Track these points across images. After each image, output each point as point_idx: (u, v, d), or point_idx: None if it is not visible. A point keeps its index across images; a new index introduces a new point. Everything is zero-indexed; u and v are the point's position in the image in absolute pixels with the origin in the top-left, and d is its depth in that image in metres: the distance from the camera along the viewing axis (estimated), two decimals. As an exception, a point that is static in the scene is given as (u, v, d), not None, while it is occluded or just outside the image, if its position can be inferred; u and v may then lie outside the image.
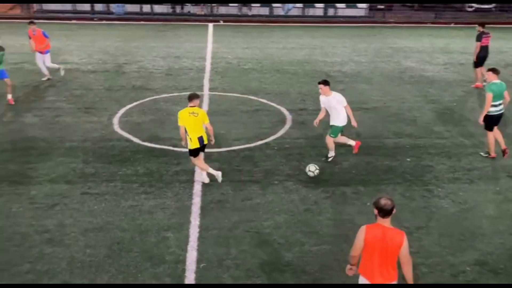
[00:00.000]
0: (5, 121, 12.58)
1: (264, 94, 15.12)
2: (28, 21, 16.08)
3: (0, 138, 11.49)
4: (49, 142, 11.42)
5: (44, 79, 15.59)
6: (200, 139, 9.36)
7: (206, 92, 15.25)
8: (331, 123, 10.60)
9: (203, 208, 8.97)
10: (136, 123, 12.67)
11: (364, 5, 28.88)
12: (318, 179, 10.00)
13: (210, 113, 13.29)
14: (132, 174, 10.09)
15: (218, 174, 9.73)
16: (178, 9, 28.42)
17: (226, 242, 8.03)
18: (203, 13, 28.43)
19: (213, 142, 9.80)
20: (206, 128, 9.51)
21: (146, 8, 27.92)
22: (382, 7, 29.39)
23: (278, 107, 14.11)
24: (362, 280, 5.76)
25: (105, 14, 27.38)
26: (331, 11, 29.15)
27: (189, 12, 28.48)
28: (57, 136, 11.75)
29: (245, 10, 28.62)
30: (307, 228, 8.46)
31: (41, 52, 15.33)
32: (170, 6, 28.32)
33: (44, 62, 15.50)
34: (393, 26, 26.99)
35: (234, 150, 11.34)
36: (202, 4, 28.39)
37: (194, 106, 9.28)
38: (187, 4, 28.47)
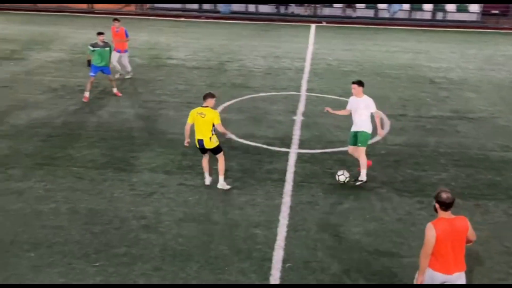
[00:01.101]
0: (113, 111, 13.38)
1: (362, 98, 14.82)
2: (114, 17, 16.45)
3: (108, 128, 12.26)
4: (152, 133, 12.00)
5: (117, 76, 15.45)
6: (200, 142, 9.15)
7: (303, 93, 15.27)
8: (358, 129, 9.74)
9: (292, 208, 9.00)
10: (233, 120, 12.96)
11: (476, 10, 27.41)
12: (413, 189, 9.65)
13: (306, 114, 13.44)
14: (226, 170, 10.28)
15: (221, 183, 9.50)
16: (282, 9, 28.68)
17: (314, 245, 8.00)
18: (306, 13, 28.45)
19: (227, 135, 10.15)
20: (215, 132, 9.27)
21: (252, 7, 28.47)
22: (496, 12, 27.70)
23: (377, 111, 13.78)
24: (436, 276, 5.73)
25: (212, 12, 28.26)
26: (439, 15, 27.98)
27: (292, 12, 28.65)
28: (160, 128, 12.32)
29: (349, 12, 28.25)
30: (398, 238, 8.19)
31: (119, 51, 15.35)
32: (274, 6, 28.68)
33: (121, 60, 15.53)
34: (507, 33, 25.33)
35: (327, 153, 11.25)
36: (306, 5, 28.43)
37: (207, 107, 9.13)
38: (291, 4, 28.66)
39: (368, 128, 9.78)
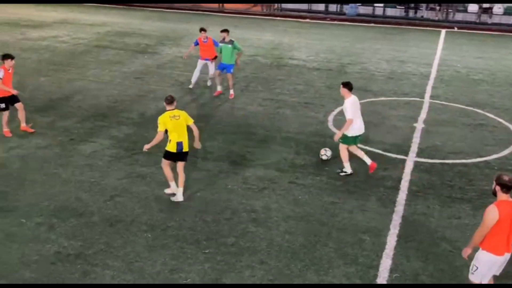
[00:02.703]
0: (233, 107, 13.82)
1: (491, 108, 13.89)
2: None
3: (228, 122, 12.69)
4: (268, 131, 12.22)
5: (190, 86, 14.95)
6: (180, 144, 8.72)
7: (427, 100, 14.63)
8: (363, 131, 9.95)
9: (405, 218, 8.67)
10: (350, 123, 12.77)
11: None
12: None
13: (427, 122, 12.87)
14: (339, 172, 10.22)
15: (178, 194, 8.96)
16: (411, 13, 27.75)
17: (425, 257, 7.64)
18: (437, 18, 27.23)
19: (199, 146, 9.19)
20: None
21: (379, 10, 27.89)
22: None
23: (507, 124, 12.83)
24: (487, 256, 6.14)
25: (338, 14, 28.09)
26: None
27: (422, 16, 27.58)
28: (276, 126, 12.51)
29: (484, 17, 26.55)
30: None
31: (208, 59, 14.65)
32: (403, 9, 27.84)
33: (209, 69, 14.83)
34: None
35: (447, 164, 10.68)
36: (438, 9, 27.22)
37: (173, 109, 8.78)
38: (421, 8, 27.63)
39: None
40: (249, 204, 8.99)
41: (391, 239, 8.08)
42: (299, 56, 19.29)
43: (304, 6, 28.78)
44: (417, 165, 10.60)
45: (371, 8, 28.14)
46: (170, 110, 8.77)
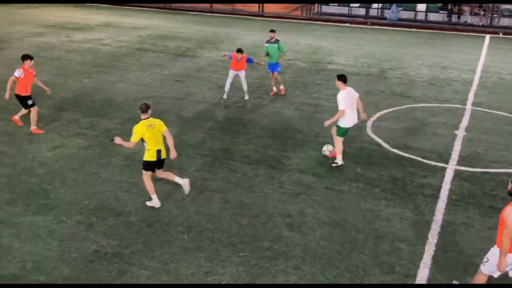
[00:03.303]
0: (270, 111, 13.83)
1: (537, 117, 13.47)
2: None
3: (265, 126, 12.70)
4: (305, 135, 12.18)
5: (224, 97, 14.69)
6: (159, 152, 8.64)
7: (469, 107, 14.29)
8: (356, 122, 10.46)
9: (444, 227, 8.48)
10: (389, 129, 12.60)
11: None
12: None
13: (469, 129, 12.57)
14: (376, 179, 10.09)
15: (154, 203, 8.83)
16: (454, 18, 27.19)
17: (464, 269, 7.46)
18: (481, 24, 26.59)
19: (174, 155, 8.95)
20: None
21: (421, 15, 27.46)
22: None
23: (553, 133, 12.41)
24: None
25: (379, 19, 27.78)
26: None
27: (465, 22, 27.00)
28: (313, 131, 12.45)
29: (531, 22, 25.79)
30: None
31: (237, 70, 14.36)
32: (446, 14, 27.31)
33: (242, 81, 14.55)
34: None
35: (489, 173, 10.40)
36: (482, 14, 26.58)
37: (149, 118, 8.61)
38: (465, 13, 27.04)
39: None
40: (284, 209, 8.97)
41: (429, 249, 7.92)
42: (338, 60, 19.16)
43: (344, 10, 28.60)
44: (457, 173, 10.36)
45: (412, 13, 27.74)
46: (145, 119, 8.60)
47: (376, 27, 26.51)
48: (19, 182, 9.61)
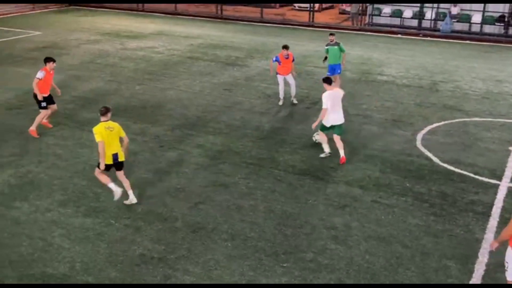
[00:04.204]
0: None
1: None
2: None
3: (310, 137, 12.62)
4: (353, 147, 12.03)
5: (280, 103, 14.89)
6: (115, 156, 8.82)
7: (525, 122, 13.78)
8: (341, 121, 11.14)
9: (495, 247, 8.18)
10: (439, 143, 12.30)
11: None
12: None
13: (524, 146, 12.15)
14: (425, 193, 9.86)
15: (117, 191, 9.04)
16: (511, 30, 26.34)
17: (515, 291, 7.16)
18: (540, 36, 25.64)
19: (123, 158, 9.05)
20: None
21: (475, 27, 26.76)
22: None
23: None
24: None
25: (431, 30, 27.25)
26: None
27: (523, 34, 26.09)
28: (361, 142, 12.30)
29: None
30: None
31: (285, 73, 14.59)
32: (502, 27, 26.50)
33: (290, 85, 14.80)
34: None
35: (546, 192, 9.97)
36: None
37: (108, 121, 8.76)
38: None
39: None
40: (329, 221, 8.89)
41: (479, 268, 7.66)
42: (388, 72, 18.89)
43: (396, 21, 28.21)
44: (511, 191, 10.00)
45: (467, 24, 27.05)
46: (104, 121, 8.82)
47: (428, 38, 25.99)
48: (71, 185, 9.94)
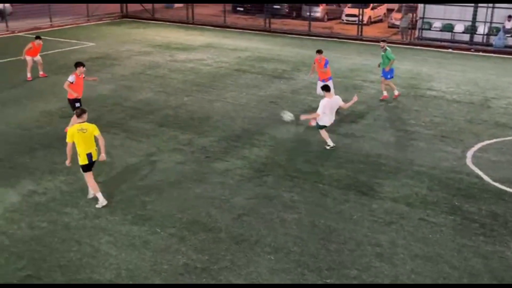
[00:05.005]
0: (362, 136, 13.58)
1: None
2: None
3: (357, 151, 12.50)
4: (399, 162, 11.84)
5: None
6: (89, 155, 9.24)
7: None
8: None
9: (549, 271, 7.84)
10: (491, 161, 11.93)
11: None
12: None
13: None
14: (474, 213, 9.57)
15: (100, 200, 9.51)
16: None
17: None
18: None
19: (103, 158, 9.42)
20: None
21: (531, 42, 25.91)
22: None
23: None
24: None
25: (484, 45, 26.55)
26: None
27: None
28: (408, 158, 12.07)
29: None
30: None
31: (323, 81, 14.95)
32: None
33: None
34: None
35: None
36: None
37: (83, 122, 9.23)
38: None
39: None
40: (374, 238, 8.75)
41: (532, 293, 7.36)
42: (438, 87, 18.50)
43: (446, 36, 27.64)
44: None
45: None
46: (79, 123, 9.27)
47: (480, 53, 25.33)
48: (119, 192, 10.19)
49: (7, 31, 28.01)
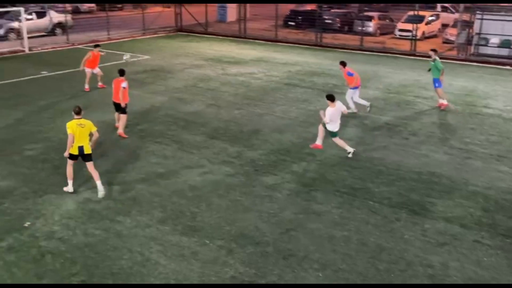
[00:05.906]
0: (418, 153, 13.30)
1: None
2: None
3: (409, 168, 12.23)
4: (453, 182, 11.52)
5: (349, 111, 15.02)
6: (80, 148, 10.23)
7: None
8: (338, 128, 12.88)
9: None
10: (552, 183, 11.43)
11: None
12: None
13: None
14: (509, 227, 9.19)
15: (99, 188, 10.48)
16: None
17: None
18: None
19: (90, 148, 10.39)
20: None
21: None
22: None
23: None
24: None
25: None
26: None
27: None
28: (463, 178, 11.74)
29: None
30: None
31: (355, 87, 16.27)
32: None
33: (352, 97, 16.39)
34: None
35: None
36: None
37: (81, 118, 10.26)
38: None
39: None
40: (426, 258, 8.52)
41: None
42: (495, 105, 17.93)
43: (504, 52, 26.80)
44: None
45: None
46: (77, 119, 10.27)
47: (541, 70, 24.43)
48: (170, 203, 10.37)
49: (68, 43, 29.23)
